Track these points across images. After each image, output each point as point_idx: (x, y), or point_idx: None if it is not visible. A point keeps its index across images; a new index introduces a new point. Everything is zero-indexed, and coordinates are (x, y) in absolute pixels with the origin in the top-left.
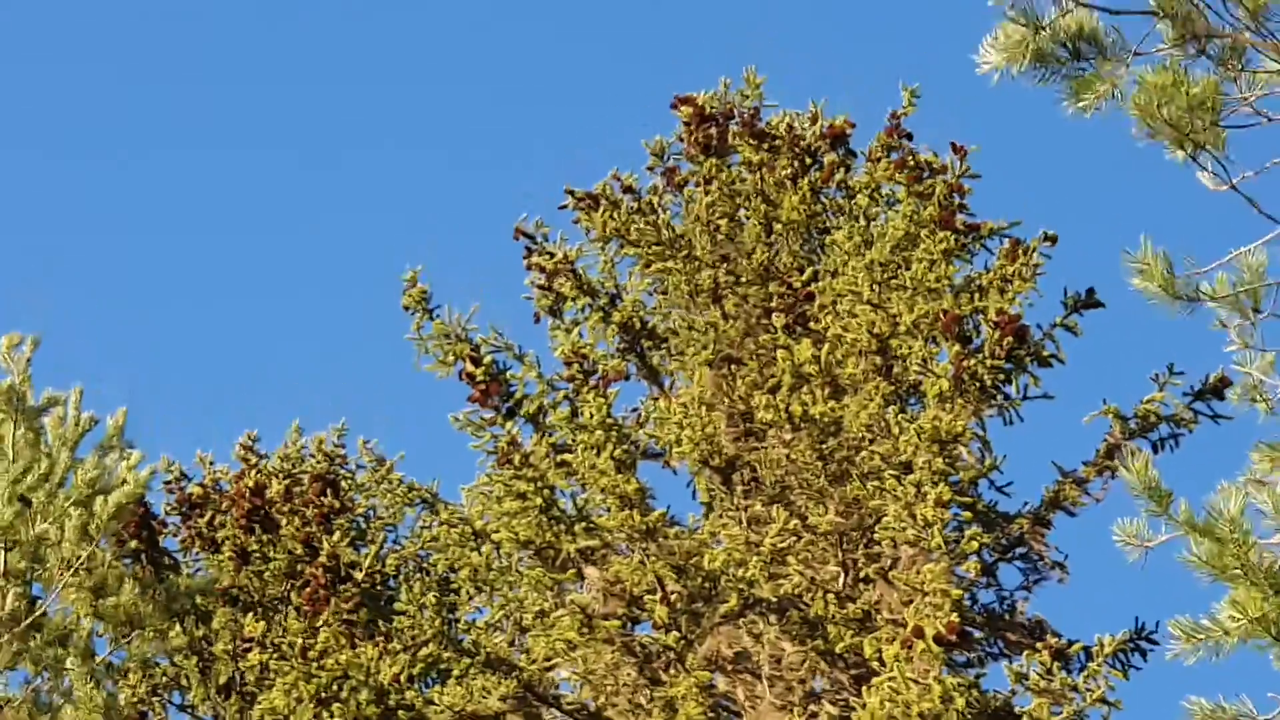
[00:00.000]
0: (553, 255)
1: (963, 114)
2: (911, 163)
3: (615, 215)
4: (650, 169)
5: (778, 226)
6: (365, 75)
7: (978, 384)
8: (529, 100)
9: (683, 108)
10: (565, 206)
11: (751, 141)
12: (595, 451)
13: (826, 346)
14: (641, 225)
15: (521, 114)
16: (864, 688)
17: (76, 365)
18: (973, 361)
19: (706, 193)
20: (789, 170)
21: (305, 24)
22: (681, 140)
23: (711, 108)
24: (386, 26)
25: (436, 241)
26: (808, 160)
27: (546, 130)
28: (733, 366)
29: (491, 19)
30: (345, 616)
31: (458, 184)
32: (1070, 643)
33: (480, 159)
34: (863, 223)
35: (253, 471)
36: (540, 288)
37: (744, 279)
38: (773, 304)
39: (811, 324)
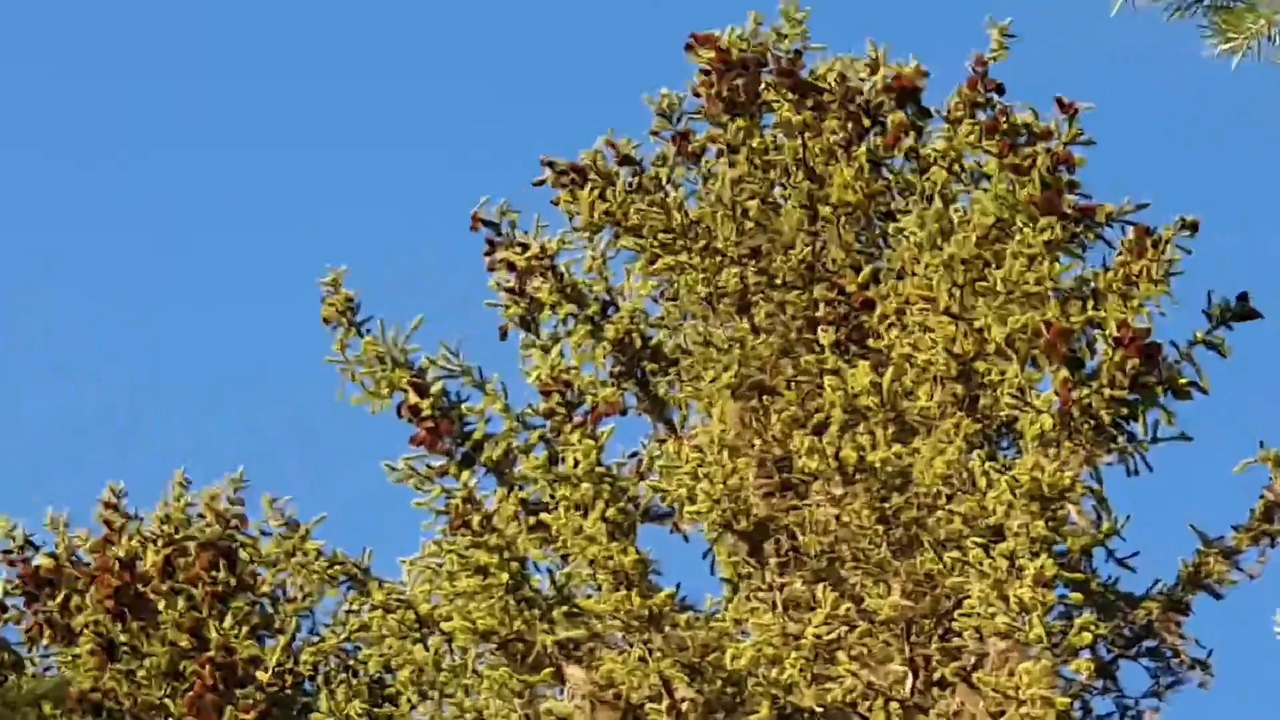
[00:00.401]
0: (524, 248)
1: (1060, 60)
2: (1004, 125)
3: (609, 194)
4: (655, 133)
5: (825, 210)
6: (351, 75)
7: (1092, 421)
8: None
9: (700, 50)
10: (542, 183)
11: (792, 96)
12: (581, 511)
13: (890, 371)
14: (644, 208)
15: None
16: None
17: None
18: (1085, 391)
19: (731, 164)
20: (841, 135)
21: (299, 25)
22: (698, 95)
23: (739, 50)
24: (379, 26)
25: (433, 243)
26: (866, 121)
27: (536, 88)
28: (765, 397)
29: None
30: None
31: (447, 183)
32: None
33: (473, 150)
34: (939, 205)
35: (121, 538)
36: (508, 292)
37: (780, 280)
38: (818, 314)
39: (870, 341)
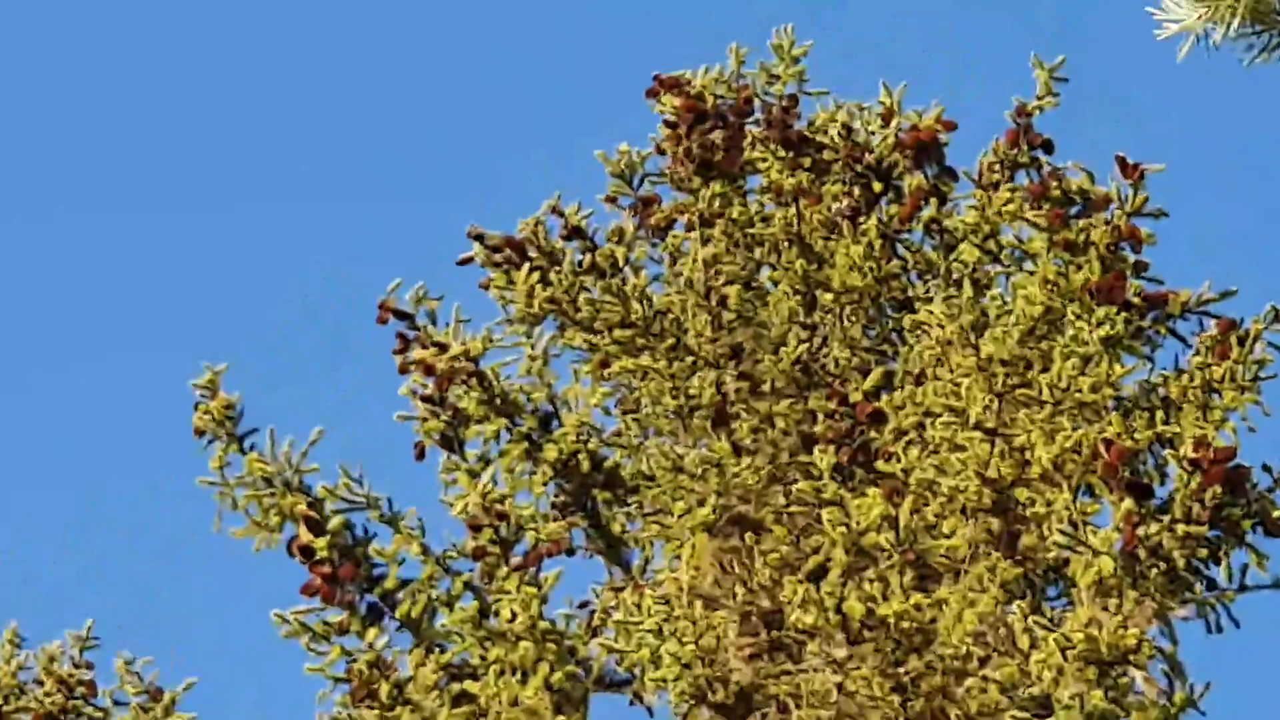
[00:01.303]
0: (443, 348)
1: (1120, 110)
2: (1053, 190)
3: (553, 277)
4: (612, 199)
5: (825, 298)
6: (238, 123)
7: (1162, 564)
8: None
9: (666, 96)
10: (468, 260)
11: (783, 153)
12: (519, 676)
13: (908, 502)
14: (597, 295)
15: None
16: None
17: None
18: (1154, 527)
19: (706, 240)
20: (846, 202)
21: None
22: (663, 152)
23: (716, 96)
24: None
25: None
26: (877, 186)
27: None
28: (749, 535)
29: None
30: None
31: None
32: None
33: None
34: (970, 292)
35: None
36: (425, 402)
37: (768, 387)
38: (816, 430)
39: (881, 464)
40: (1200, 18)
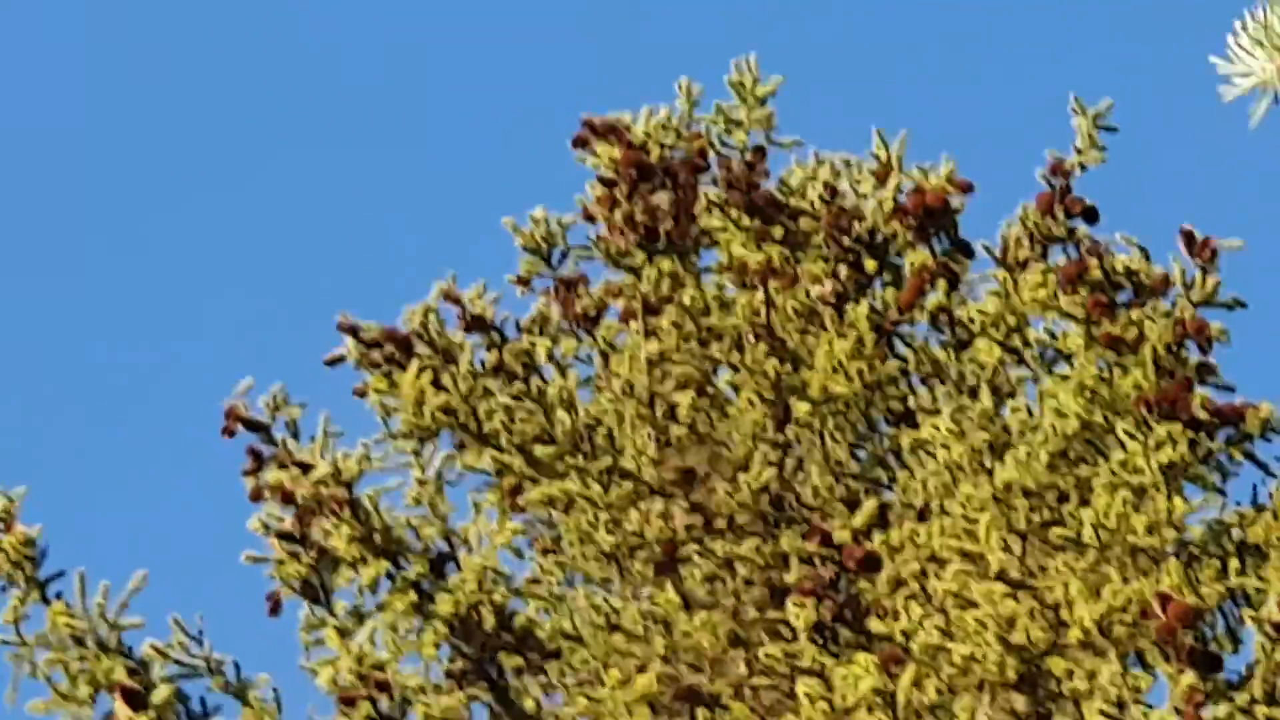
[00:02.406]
0: (306, 469)
1: (1172, 176)
2: (1096, 272)
3: (448, 380)
4: (524, 281)
5: (801, 409)
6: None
7: None
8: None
9: (597, 146)
10: (339, 360)
11: (748, 222)
12: None
13: (908, 672)
14: (506, 402)
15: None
16: None
17: None
18: (1225, 709)
19: (649, 333)
20: (829, 286)
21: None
22: (593, 218)
23: (660, 145)
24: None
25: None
26: (870, 264)
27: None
28: (701, 712)
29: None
30: None
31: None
32: None
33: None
34: (987, 403)
35: None
36: (283, 539)
37: (727, 524)
38: (789, 578)
39: (874, 622)
40: (1278, 69)
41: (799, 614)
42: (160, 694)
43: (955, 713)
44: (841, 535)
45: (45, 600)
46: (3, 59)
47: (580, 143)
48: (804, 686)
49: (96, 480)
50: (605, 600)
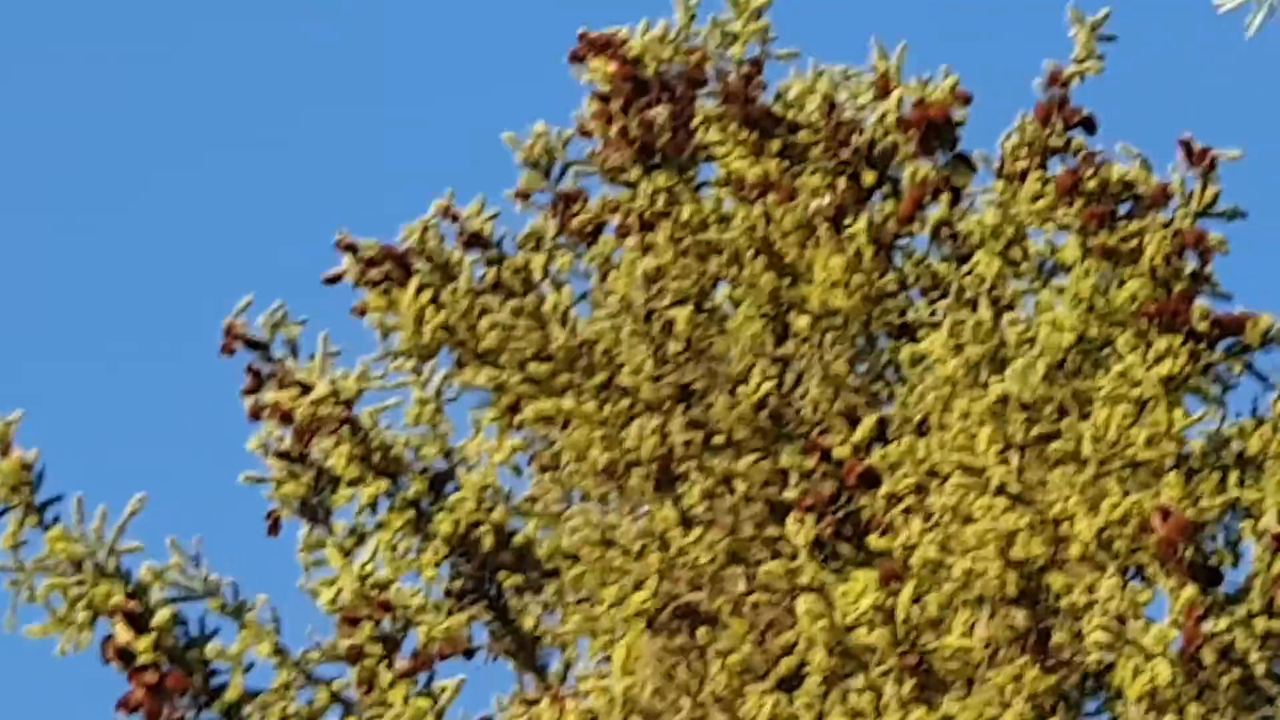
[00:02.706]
0: (306, 388)
1: (1171, 84)
2: (1093, 182)
3: (446, 297)
4: (523, 196)
5: (800, 323)
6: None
7: (1235, 670)
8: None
9: (594, 61)
10: (337, 278)
11: (746, 134)
12: None
13: (908, 588)
14: (503, 319)
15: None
16: None
17: None
18: (1225, 622)
19: (647, 248)
20: (827, 199)
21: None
22: (590, 134)
23: (657, 60)
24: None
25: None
26: (868, 177)
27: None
28: (700, 630)
29: None
30: None
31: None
32: None
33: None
34: (987, 315)
35: None
36: (281, 458)
37: (726, 439)
38: (788, 494)
39: (873, 539)
40: None
41: (798, 530)
42: (160, 616)
43: (954, 628)
44: (841, 451)
45: (43, 525)
46: None
47: (577, 58)
48: (804, 603)
49: (93, 402)
50: (602, 518)
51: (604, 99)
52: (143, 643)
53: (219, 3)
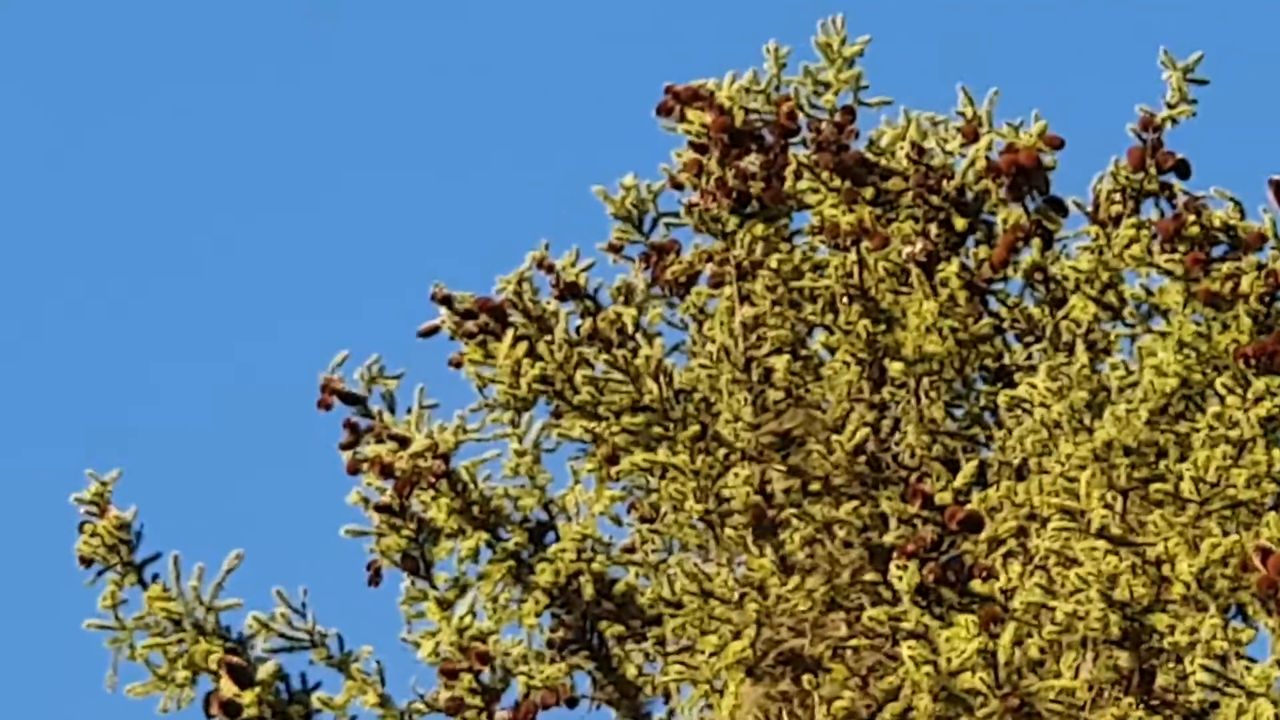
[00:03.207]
0: (404, 442)
1: (1265, 126)
2: (1192, 227)
3: (542, 349)
4: (616, 249)
5: (896, 368)
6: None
7: None
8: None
9: (685, 111)
10: (433, 330)
11: (839, 183)
12: None
13: (1009, 631)
14: (600, 371)
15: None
16: None
17: None
18: None
19: (743, 298)
20: (920, 245)
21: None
22: (680, 186)
23: (747, 110)
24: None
25: None
26: (960, 223)
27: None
28: (804, 677)
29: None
30: None
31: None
32: None
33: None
34: (1083, 360)
35: None
36: (381, 512)
37: (823, 486)
38: (888, 539)
39: (976, 583)
40: None
41: (902, 576)
42: (264, 670)
43: (1057, 670)
44: (943, 496)
45: (142, 584)
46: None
47: (665, 110)
48: (908, 649)
49: (192, 459)
50: (700, 567)
51: (698, 149)
52: (248, 696)
53: (320, 51)
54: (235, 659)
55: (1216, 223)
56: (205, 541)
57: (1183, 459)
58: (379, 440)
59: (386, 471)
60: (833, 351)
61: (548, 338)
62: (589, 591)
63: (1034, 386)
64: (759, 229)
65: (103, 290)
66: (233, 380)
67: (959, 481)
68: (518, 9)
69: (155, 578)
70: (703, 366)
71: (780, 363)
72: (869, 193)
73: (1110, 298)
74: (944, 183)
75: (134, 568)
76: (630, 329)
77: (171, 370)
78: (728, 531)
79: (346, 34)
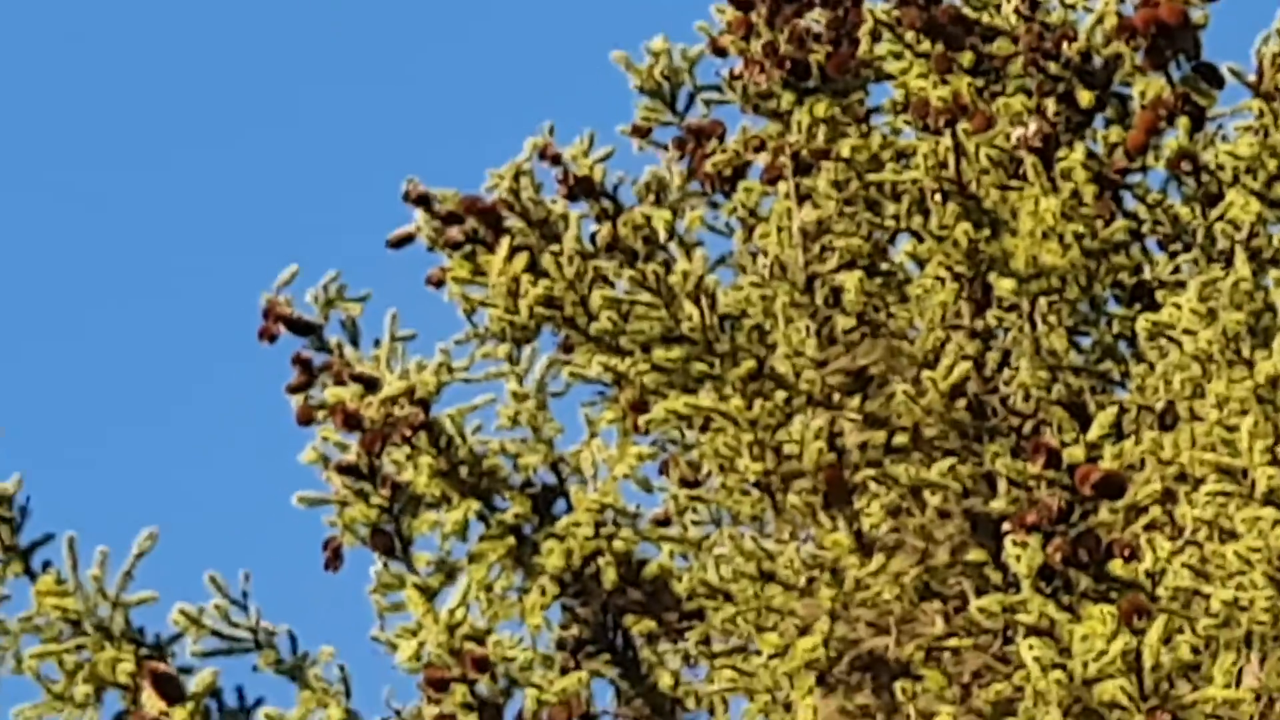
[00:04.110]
0: (372, 383)
1: None
2: None
3: (548, 263)
4: (642, 133)
5: (1004, 286)
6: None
7: None
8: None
9: None
10: (406, 240)
11: (927, 45)
12: None
13: (1157, 625)
14: (624, 290)
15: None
16: None
17: None
18: None
19: (804, 195)
20: (1034, 127)
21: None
22: (723, 51)
23: None
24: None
25: None
26: (1085, 97)
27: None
28: (895, 685)
29: None
30: None
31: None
32: None
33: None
34: (1244, 272)
35: None
36: (346, 473)
37: (909, 438)
38: (996, 505)
39: (1116, 564)
40: None
41: (1019, 555)
42: (199, 679)
43: (1219, 672)
44: (1074, 453)
45: (29, 574)
46: None
47: None
48: (1029, 649)
49: (91, 410)
50: (757, 543)
51: (744, 5)
52: (178, 714)
53: None
54: (158, 665)
55: None
56: (110, 519)
57: None
58: (339, 382)
59: (350, 422)
60: (921, 265)
61: (554, 248)
62: (610, 577)
63: (1180, 308)
64: (823, 107)
65: None
66: (146, 301)
67: (1093, 433)
68: None
69: (46, 566)
70: (755, 285)
71: (852, 280)
72: (967, 58)
73: (1278, 192)
74: (1064, 45)
75: (18, 554)
76: (662, 236)
77: (60, 286)
78: (790, 498)
79: None
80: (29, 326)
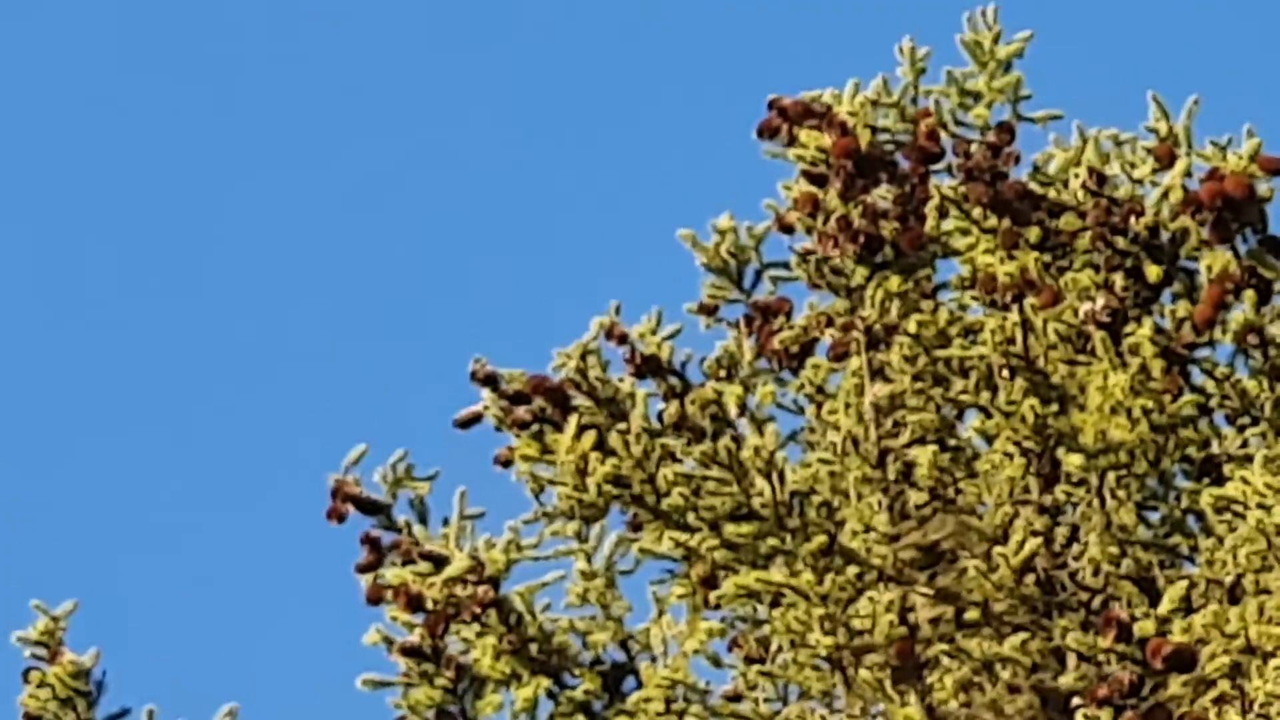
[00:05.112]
0: (439, 562)
1: None
2: None
3: (618, 441)
4: (709, 311)
5: (1073, 462)
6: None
7: None
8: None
9: (798, 133)
10: (474, 420)
11: (995, 222)
12: None
13: None
14: (692, 468)
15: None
16: None
17: None
18: None
19: (875, 371)
20: (1101, 300)
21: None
22: (789, 228)
23: (873, 129)
24: None
25: None
26: (1153, 271)
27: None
28: None
29: None
30: None
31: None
32: None
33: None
34: None
35: None
36: (410, 655)
37: (979, 612)
38: (1065, 681)
39: None
40: None
41: None
42: None
43: None
44: (1145, 627)
45: None
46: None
47: (769, 131)
48: None
49: (168, 588)
50: (826, 719)
51: (815, 181)
52: None
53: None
54: None
55: None
56: (186, 694)
57: None
58: (407, 561)
59: (416, 602)
60: (990, 440)
61: (621, 426)
62: None
63: (1249, 482)
64: (893, 283)
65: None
66: (220, 486)
67: (1163, 607)
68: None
69: None
70: (824, 461)
71: (925, 455)
72: (1034, 234)
73: None
74: (1131, 220)
75: None
76: (733, 412)
77: (140, 470)
78: (861, 674)
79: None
80: (111, 507)
